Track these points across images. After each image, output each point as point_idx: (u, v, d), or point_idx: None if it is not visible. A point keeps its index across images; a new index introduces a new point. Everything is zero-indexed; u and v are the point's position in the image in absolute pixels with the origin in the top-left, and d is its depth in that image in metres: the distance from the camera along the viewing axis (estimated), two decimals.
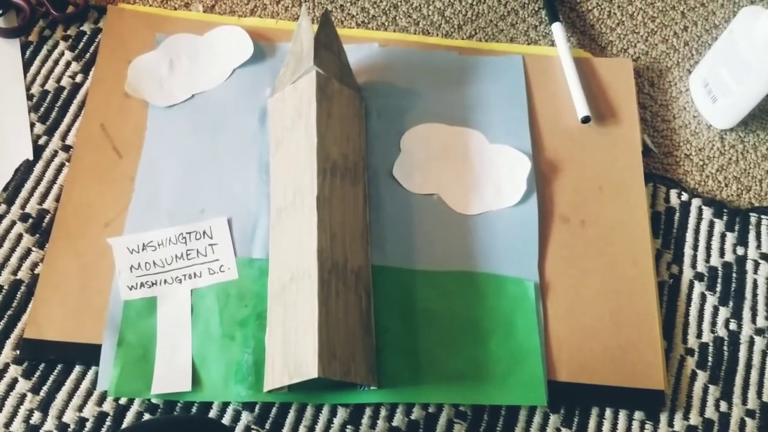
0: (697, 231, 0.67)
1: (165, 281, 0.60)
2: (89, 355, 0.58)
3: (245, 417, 0.57)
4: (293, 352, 0.54)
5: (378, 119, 0.67)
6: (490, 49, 0.73)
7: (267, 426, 0.57)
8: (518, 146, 0.67)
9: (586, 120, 0.68)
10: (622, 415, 0.59)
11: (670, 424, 0.59)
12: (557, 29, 0.73)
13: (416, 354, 0.58)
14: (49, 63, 0.70)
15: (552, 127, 0.69)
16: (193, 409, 0.57)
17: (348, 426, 0.57)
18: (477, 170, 0.66)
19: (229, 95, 0.68)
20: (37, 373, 0.58)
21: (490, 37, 0.75)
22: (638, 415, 0.59)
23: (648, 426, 0.59)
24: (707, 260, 0.66)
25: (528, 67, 0.72)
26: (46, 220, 0.63)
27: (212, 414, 0.57)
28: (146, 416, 0.57)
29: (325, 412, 0.58)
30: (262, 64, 0.70)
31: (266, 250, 0.61)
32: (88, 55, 0.70)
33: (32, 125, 0.67)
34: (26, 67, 0.69)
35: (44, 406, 0.57)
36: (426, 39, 0.74)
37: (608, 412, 0.59)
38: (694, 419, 0.60)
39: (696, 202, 0.68)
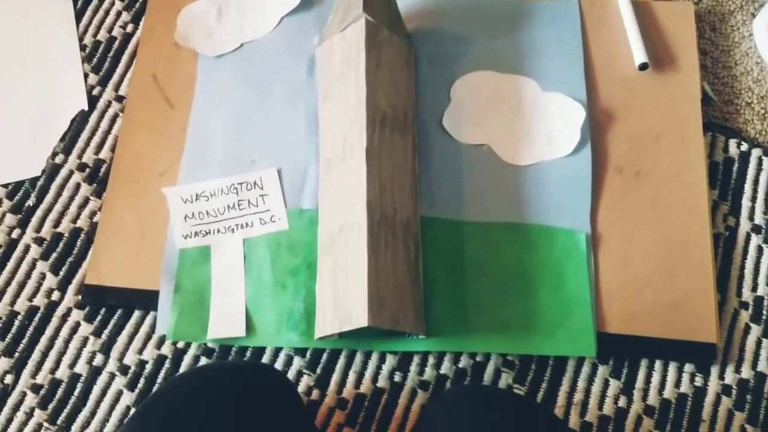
0: (756, 182, 0.65)
1: (218, 230, 0.61)
2: (148, 300, 0.60)
3: (297, 362, 0.59)
4: (343, 301, 0.55)
5: (428, 67, 0.66)
6: None
7: (318, 371, 0.58)
8: (572, 94, 0.65)
9: (643, 67, 0.66)
10: (672, 367, 0.59)
11: (721, 377, 0.59)
12: None
13: (464, 304, 0.58)
14: (101, 13, 0.70)
15: (608, 75, 0.67)
16: (247, 354, 0.59)
17: (396, 372, 0.58)
18: (529, 119, 0.64)
19: (277, 44, 0.68)
20: (99, 318, 0.60)
21: None
22: (689, 367, 0.59)
23: (698, 379, 0.59)
24: (765, 212, 0.64)
25: (584, 11, 0.69)
26: (103, 169, 0.65)
27: (265, 359, 0.59)
28: (203, 360, 0.59)
29: (374, 358, 0.59)
30: (310, 11, 0.69)
31: (316, 201, 0.61)
32: (138, 4, 0.71)
33: (86, 76, 0.68)
34: (78, 17, 0.70)
35: (106, 349, 0.59)
36: None
37: (658, 364, 0.59)
38: (746, 372, 0.59)
39: (756, 153, 0.65)
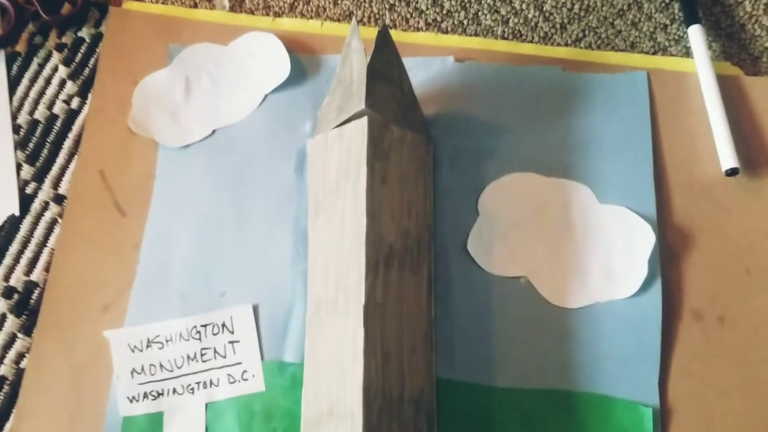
0: None
1: (174, 390, 0.47)
2: None
3: None
4: None
5: (450, 170, 0.51)
6: (604, 62, 0.55)
7: None
8: (638, 209, 0.50)
9: (732, 172, 0.50)
10: None
11: None
12: (696, 34, 0.54)
13: None
14: (40, 81, 0.56)
15: (685, 181, 0.51)
16: None
17: None
18: (580, 244, 0.49)
19: (258, 131, 0.53)
20: None
21: (604, 41, 0.56)
22: None
23: None
24: None
25: (653, 88, 0.53)
26: (34, 296, 0.51)
27: None
28: None
29: None
30: (302, 86, 0.54)
31: (302, 352, 0.47)
32: (87, 70, 0.56)
33: (18, 167, 0.54)
34: (12, 87, 0.56)
35: None
36: (517, 47, 0.56)
37: None
38: None
39: None
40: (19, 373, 0.49)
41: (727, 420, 0.46)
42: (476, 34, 0.57)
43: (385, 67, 0.47)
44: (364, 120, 0.46)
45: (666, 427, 0.46)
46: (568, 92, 0.54)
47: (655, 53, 0.56)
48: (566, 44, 0.56)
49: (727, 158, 0.50)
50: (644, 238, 0.49)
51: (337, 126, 0.48)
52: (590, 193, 0.51)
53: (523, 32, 0.57)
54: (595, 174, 0.51)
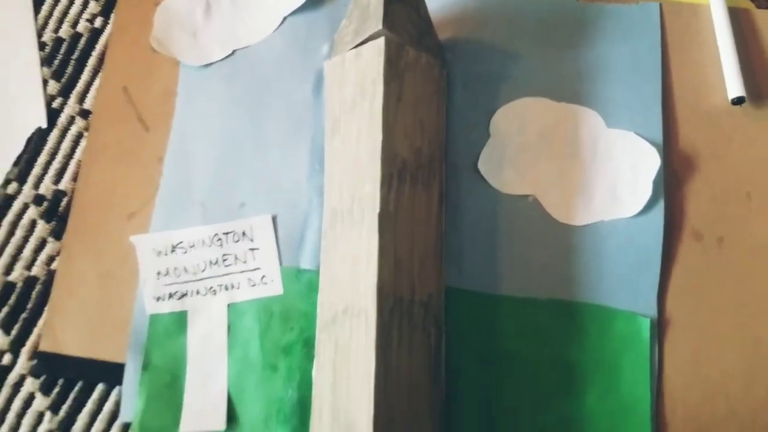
0: None
1: (197, 292, 0.50)
2: (112, 374, 0.50)
3: None
4: (344, 406, 0.44)
5: (463, 92, 0.53)
6: None
7: None
8: (645, 134, 0.51)
9: (738, 101, 0.52)
10: None
11: None
12: None
13: (495, 407, 0.47)
14: (63, 1, 0.57)
15: (692, 109, 0.53)
16: None
17: None
18: (588, 165, 0.51)
19: (277, 53, 0.54)
20: (56, 389, 0.50)
21: None
22: None
23: None
24: None
25: (665, 19, 0.55)
26: (63, 203, 0.53)
27: None
28: None
29: None
30: (320, 10, 0.55)
31: (317, 260, 0.50)
32: None
33: (45, 83, 0.56)
34: (36, 6, 0.57)
35: (64, 429, 0.50)
36: None
37: None
38: None
39: None
40: (50, 274, 0.52)
41: (721, 334, 0.49)
42: None
43: None
44: (381, 40, 0.47)
45: (662, 337, 0.49)
46: (581, 21, 0.55)
47: None
48: None
49: (734, 87, 0.52)
50: (649, 161, 0.51)
51: (354, 47, 0.49)
52: (599, 117, 0.52)
53: None
54: (604, 100, 0.53)
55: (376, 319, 0.43)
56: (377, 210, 0.45)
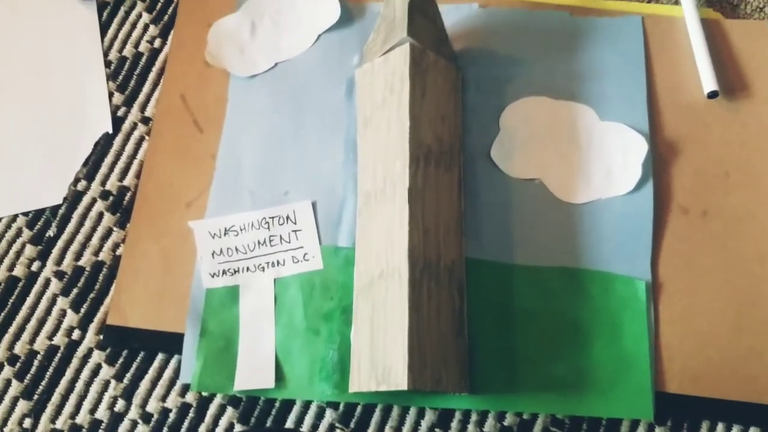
0: None
1: (248, 269, 0.57)
2: (172, 343, 0.56)
3: (329, 414, 0.55)
4: (381, 356, 0.50)
5: (476, 92, 0.61)
6: (605, 8, 0.65)
7: (352, 425, 0.54)
8: (633, 124, 0.59)
9: (713, 95, 0.60)
10: (736, 431, 0.54)
11: None
12: None
13: (512, 358, 0.54)
14: (126, 26, 0.66)
15: (673, 102, 0.61)
16: (276, 404, 0.55)
17: (436, 429, 0.54)
18: (585, 152, 0.59)
19: (313, 64, 0.63)
20: (120, 360, 0.57)
21: None
22: (753, 431, 0.54)
23: None
24: None
25: (647, 30, 0.63)
26: (127, 198, 0.61)
27: (295, 410, 0.55)
28: (228, 409, 0.55)
29: (412, 413, 0.55)
30: (350, 27, 0.64)
31: (353, 239, 0.57)
32: (166, 17, 0.66)
33: (110, 95, 0.64)
34: (103, 30, 0.66)
35: (128, 395, 0.56)
36: None
37: (720, 428, 0.54)
38: None
39: None
40: (115, 259, 0.59)
41: (709, 291, 0.56)
42: None
43: (423, 4, 0.57)
44: (407, 45, 0.55)
45: (657, 297, 0.56)
46: (575, 32, 0.63)
47: (648, 2, 0.66)
48: None
49: (709, 83, 0.60)
50: (638, 147, 0.58)
51: (382, 54, 0.58)
52: (593, 112, 0.60)
53: None
54: (597, 97, 0.61)
55: (408, 277, 0.50)
56: (407, 185, 0.52)
